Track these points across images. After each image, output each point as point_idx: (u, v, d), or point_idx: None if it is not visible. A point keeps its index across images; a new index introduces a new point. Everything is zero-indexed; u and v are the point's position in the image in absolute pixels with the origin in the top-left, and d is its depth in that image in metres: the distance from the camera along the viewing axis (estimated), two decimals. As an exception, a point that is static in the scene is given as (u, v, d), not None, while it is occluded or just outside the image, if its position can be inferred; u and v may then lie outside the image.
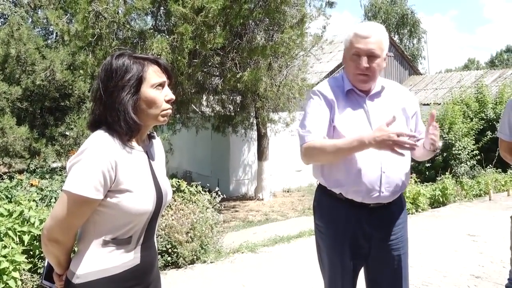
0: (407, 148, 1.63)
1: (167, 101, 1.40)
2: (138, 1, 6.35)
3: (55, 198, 4.17)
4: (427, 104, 12.09)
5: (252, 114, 9.26)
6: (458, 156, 8.47)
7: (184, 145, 11.28)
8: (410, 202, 6.37)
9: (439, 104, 10.78)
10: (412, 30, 30.67)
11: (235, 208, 9.02)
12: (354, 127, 1.85)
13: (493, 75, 16.01)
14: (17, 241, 3.16)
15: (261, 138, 9.47)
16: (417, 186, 6.81)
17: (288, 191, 10.70)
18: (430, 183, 7.54)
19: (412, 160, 2.04)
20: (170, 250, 4.06)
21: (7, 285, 2.89)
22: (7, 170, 10.80)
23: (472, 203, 6.91)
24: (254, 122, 9.42)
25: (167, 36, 7.00)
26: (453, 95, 11.08)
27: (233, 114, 9.32)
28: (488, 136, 8.88)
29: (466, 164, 8.58)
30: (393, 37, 21.87)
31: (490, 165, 8.78)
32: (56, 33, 12.72)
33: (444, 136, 8.55)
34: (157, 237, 1.50)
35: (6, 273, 2.91)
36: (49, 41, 13.18)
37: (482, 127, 9.40)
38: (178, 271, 4.01)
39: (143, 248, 1.42)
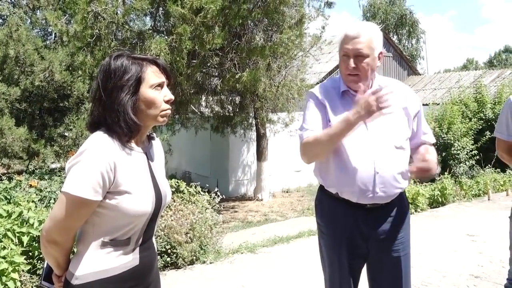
0: (388, 100, 1.66)
1: (166, 102, 1.39)
2: (137, 2, 6.35)
3: (54, 199, 4.17)
4: (426, 104, 12.10)
5: (251, 114, 9.26)
6: (457, 156, 8.48)
7: (183, 145, 11.28)
8: (409, 202, 6.37)
9: (438, 104, 10.79)
10: (410, 30, 30.70)
11: (235, 208, 9.02)
12: None
13: (491, 75, 16.03)
14: (16, 242, 3.15)
15: (260, 138, 9.48)
16: (416, 186, 6.81)
17: (287, 192, 10.70)
18: (429, 183, 7.55)
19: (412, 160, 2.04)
20: (169, 251, 4.06)
21: (6, 286, 2.89)
22: (6, 171, 10.79)
23: (471, 203, 6.92)
24: (253, 122, 9.42)
25: (166, 37, 7.00)
26: (452, 95, 11.10)
27: (232, 114, 9.32)
28: (487, 136, 8.88)
29: (465, 164, 8.59)
30: (392, 37, 21.87)
31: (489, 165, 8.79)
32: (55, 33, 12.71)
33: (443, 136, 8.56)
34: (156, 238, 1.49)
35: (5, 274, 2.90)
36: (48, 42, 13.16)
37: (481, 127, 9.41)
38: (178, 271, 4.01)
39: (142, 249, 1.42)
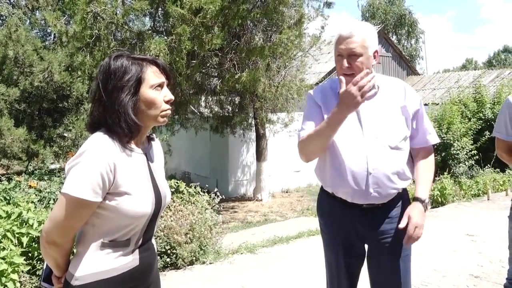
0: (370, 87, 1.68)
1: (167, 102, 1.39)
2: (136, 2, 6.35)
3: (54, 199, 4.16)
4: (426, 104, 12.10)
5: (250, 114, 9.26)
6: (456, 156, 8.49)
7: (183, 146, 11.27)
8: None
9: (437, 104, 10.80)
10: (410, 30, 30.74)
11: (234, 209, 9.02)
12: (344, 129, 1.85)
13: (491, 75, 16.05)
14: (15, 243, 3.15)
15: (260, 138, 9.48)
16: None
17: (287, 192, 10.71)
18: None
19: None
20: (169, 251, 4.05)
21: (6, 287, 2.88)
22: (5, 172, 10.79)
23: (470, 203, 6.92)
24: (253, 122, 9.43)
25: (165, 37, 7.00)
26: (451, 95, 11.12)
27: (231, 115, 9.32)
28: (486, 136, 8.89)
29: (465, 164, 8.60)
30: (391, 38, 21.88)
31: (489, 165, 8.80)
32: (54, 34, 12.71)
33: (442, 136, 8.57)
34: (156, 238, 1.49)
35: (5, 275, 2.90)
36: (47, 43, 13.16)
37: (480, 127, 9.42)
38: (177, 272, 4.01)
39: (142, 250, 1.42)
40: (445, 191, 6.99)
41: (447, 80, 17.06)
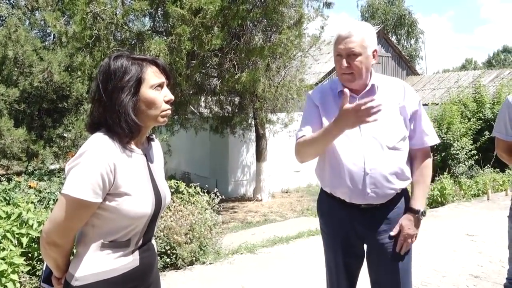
0: (374, 112, 1.64)
1: (167, 102, 1.39)
2: (136, 2, 6.35)
3: (54, 200, 4.16)
4: (425, 105, 12.12)
5: (250, 115, 9.26)
6: (456, 156, 8.49)
7: (183, 146, 11.27)
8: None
9: (437, 104, 10.80)
10: (409, 30, 30.75)
11: (234, 209, 9.02)
12: None
13: (490, 75, 16.06)
14: (15, 243, 3.14)
15: (260, 139, 9.48)
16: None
17: (286, 192, 10.71)
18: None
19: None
20: (169, 252, 4.05)
21: (6, 288, 2.88)
22: (4, 172, 10.78)
23: (470, 203, 6.92)
24: (253, 123, 9.43)
25: (165, 38, 7.00)
26: (450, 95, 11.13)
27: (231, 115, 9.33)
28: (486, 136, 8.90)
29: (464, 164, 8.60)
30: (390, 38, 21.89)
31: (488, 165, 8.80)
32: (54, 34, 12.70)
33: (442, 136, 8.57)
34: (156, 239, 1.49)
35: (5, 275, 2.90)
36: (46, 43, 13.14)
37: (480, 127, 9.42)
38: (177, 272, 4.01)
39: (142, 250, 1.42)
40: (445, 191, 6.99)
41: (447, 80, 17.07)
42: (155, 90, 1.37)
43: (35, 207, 3.66)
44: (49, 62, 9.68)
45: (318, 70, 14.81)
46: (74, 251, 1.39)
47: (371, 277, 2.02)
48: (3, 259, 2.92)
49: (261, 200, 9.53)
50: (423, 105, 2.14)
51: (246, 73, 7.11)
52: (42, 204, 4.09)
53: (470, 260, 4.12)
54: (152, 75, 1.36)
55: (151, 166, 1.44)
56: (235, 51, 7.44)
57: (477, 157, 8.80)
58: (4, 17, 13.04)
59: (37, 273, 3.26)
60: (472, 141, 8.87)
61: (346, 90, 1.71)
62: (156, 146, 1.54)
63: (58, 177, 4.90)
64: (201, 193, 4.66)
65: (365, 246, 2.01)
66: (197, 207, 4.45)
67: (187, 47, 6.27)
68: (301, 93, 8.52)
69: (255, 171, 9.81)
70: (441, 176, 7.43)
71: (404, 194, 1.98)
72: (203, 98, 9.21)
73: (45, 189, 4.37)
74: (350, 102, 1.90)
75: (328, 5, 9.08)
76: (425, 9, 76.63)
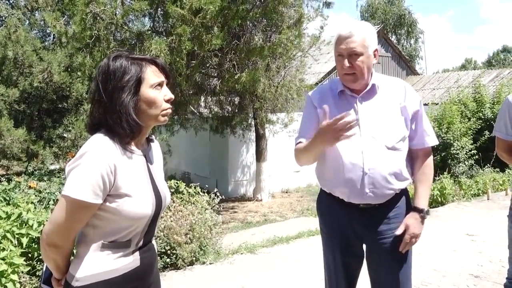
0: (348, 129, 1.65)
1: (167, 101, 1.39)
2: (136, 3, 6.35)
3: (54, 200, 4.16)
4: (425, 104, 12.12)
5: (250, 115, 9.26)
6: (456, 155, 8.49)
7: (183, 146, 11.27)
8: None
9: (437, 104, 10.80)
10: (409, 30, 30.76)
11: (234, 209, 9.02)
12: None
13: (490, 75, 16.06)
14: (15, 244, 3.14)
15: (260, 139, 9.48)
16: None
17: (286, 192, 10.71)
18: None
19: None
20: (169, 252, 4.05)
21: (6, 288, 2.88)
22: (4, 173, 10.78)
23: (470, 203, 6.92)
24: (252, 123, 9.43)
25: (165, 38, 7.00)
26: (450, 95, 11.13)
27: (231, 115, 9.32)
28: (486, 136, 8.90)
29: (464, 163, 8.60)
30: (390, 37, 21.89)
31: (488, 165, 8.80)
32: (54, 35, 12.69)
33: (442, 136, 8.57)
34: (156, 239, 1.49)
35: (5, 275, 2.89)
36: (46, 43, 13.13)
37: (480, 126, 9.42)
38: (177, 272, 4.01)
39: (143, 250, 1.42)
40: (445, 191, 6.98)
41: (447, 80, 17.07)
42: (155, 89, 1.37)
43: (35, 207, 3.66)
44: (49, 62, 9.67)
45: (318, 70, 14.81)
46: (74, 251, 1.39)
47: (371, 277, 2.01)
48: (3, 259, 2.92)
49: (261, 200, 9.53)
50: (424, 104, 2.15)
51: (246, 73, 7.12)
52: (42, 205, 4.08)
53: (470, 260, 4.12)
54: (152, 75, 1.36)
55: (151, 167, 1.44)
56: (235, 51, 7.44)
57: (477, 156, 8.80)
58: (4, 17, 13.04)
59: (37, 273, 3.26)
60: (472, 141, 8.87)
61: (326, 106, 1.73)
62: (156, 147, 1.54)
63: (58, 177, 4.89)
64: (201, 193, 4.66)
65: (364, 246, 2.01)
66: (197, 207, 4.45)
67: (187, 47, 6.27)
68: (301, 93, 8.52)
69: (255, 171, 9.81)
70: (441, 176, 7.43)
71: (404, 194, 1.97)
72: (203, 98, 9.21)
73: (45, 190, 4.37)
74: (351, 102, 1.91)
75: (327, 5, 9.08)
76: (425, 9, 76.70)
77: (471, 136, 8.91)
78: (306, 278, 3.74)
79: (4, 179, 4.61)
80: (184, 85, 7.13)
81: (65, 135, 10.16)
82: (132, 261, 1.37)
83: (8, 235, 3.13)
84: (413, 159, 1.96)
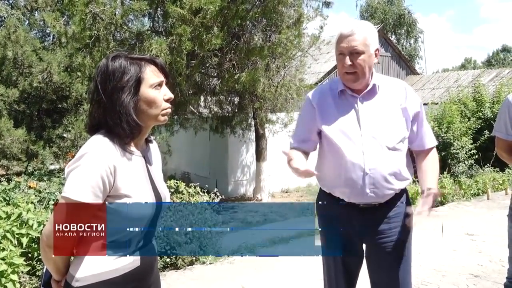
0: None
1: (166, 100, 1.39)
2: (135, 3, 6.35)
3: (53, 200, 4.16)
4: (425, 104, 12.11)
5: (250, 115, 9.26)
6: (456, 155, 8.49)
7: (182, 146, 11.26)
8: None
9: (436, 104, 10.81)
10: (409, 30, 30.75)
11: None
12: (342, 128, 1.85)
13: (490, 74, 16.06)
14: (15, 244, 3.14)
15: (259, 138, 9.47)
16: (415, 186, 6.81)
17: (286, 192, 10.70)
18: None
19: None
20: (169, 252, 4.04)
21: (6, 288, 2.88)
22: (4, 173, 10.77)
23: (470, 202, 6.92)
24: (252, 123, 9.42)
25: (165, 38, 7.00)
26: (450, 94, 11.14)
27: (231, 115, 9.32)
28: (485, 135, 8.90)
29: (464, 163, 8.60)
30: (390, 37, 21.89)
31: (488, 164, 8.81)
32: (53, 35, 12.68)
33: (442, 135, 8.57)
34: (156, 239, 1.49)
35: (5, 275, 2.90)
36: (46, 43, 13.13)
37: (479, 126, 9.43)
38: (177, 272, 4.01)
39: (143, 251, 1.42)
40: (444, 191, 6.99)
41: (446, 80, 17.07)
42: (155, 89, 1.36)
43: (35, 208, 3.66)
44: (48, 62, 9.67)
45: (317, 69, 14.80)
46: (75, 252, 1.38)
47: (371, 277, 2.01)
48: (3, 259, 2.92)
49: (261, 200, 9.52)
50: (424, 104, 2.16)
51: (245, 73, 7.11)
52: (42, 205, 4.09)
53: (470, 259, 4.12)
54: (151, 74, 1.36)
55: (150, 168, 1.44)
56: (234, 51, 7.44)
57: (477, 156, 8.80)
58: (3, 18, 13.03)
59: (37, 273, 3.26)
60: (472, 141, 8.88)
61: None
62: (154, 148, 1.54)
63: (58, 177, 4.90)
64: (201, 193, 4.66)
65: (364, 245, 2.00)
66: (197, 207, 4.44)
67: (187, 47, 6.27)
68: (300, 93, 8.52)
69: (255, 171, 9.80)
70: (441, 175, 7.43)
71: (404, 194, 1.98)
72: (202, 98, 9.20)
73: (45, 189, 4.38)
74: (351, 101, 1.90)
75: (327, 4, 9.08)
76: (425, 8, 76.71)
77: (471, 136, 8.91)
78: (306, 278, 3.74)
79: (4, 179, 4.62)
80: (184, 85, 7.13)
81: (64, 135, 10.15)
82: (132, 261, 1.37)
83: (8, 235, 3.13)
84: (417, 158, 1.99)
